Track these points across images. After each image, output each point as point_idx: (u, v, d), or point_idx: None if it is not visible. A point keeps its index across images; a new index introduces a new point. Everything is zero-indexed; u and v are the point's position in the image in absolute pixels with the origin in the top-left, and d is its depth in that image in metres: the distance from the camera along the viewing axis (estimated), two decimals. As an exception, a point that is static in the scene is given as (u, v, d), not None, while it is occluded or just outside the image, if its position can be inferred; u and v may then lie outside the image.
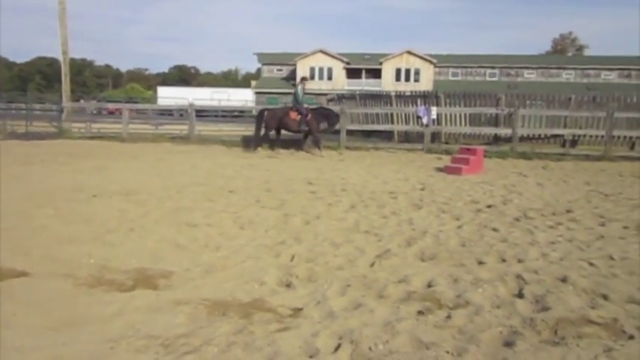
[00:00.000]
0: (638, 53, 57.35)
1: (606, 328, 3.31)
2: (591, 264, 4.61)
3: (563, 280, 4.16)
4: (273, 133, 14.90)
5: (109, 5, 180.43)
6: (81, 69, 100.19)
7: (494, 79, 54.46)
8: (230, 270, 4.52)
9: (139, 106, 35.46)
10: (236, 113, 38.87)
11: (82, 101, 38.15)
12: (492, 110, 15.86)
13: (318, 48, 56.10)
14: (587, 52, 75.41)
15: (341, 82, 54.11)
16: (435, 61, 54.15)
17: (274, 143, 14.98)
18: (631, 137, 15.54)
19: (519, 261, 4.70)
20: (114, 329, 3.34)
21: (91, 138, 18.27)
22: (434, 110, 15.62)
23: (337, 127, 15.58)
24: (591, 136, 15.62)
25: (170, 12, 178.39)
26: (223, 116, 35.32)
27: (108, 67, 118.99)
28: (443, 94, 17.03)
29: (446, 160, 12.45)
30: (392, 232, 5.73)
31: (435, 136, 16.27)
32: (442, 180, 9.93)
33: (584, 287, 4.01)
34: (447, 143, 16.06)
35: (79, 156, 12.82)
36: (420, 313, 3.56)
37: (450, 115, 16.63)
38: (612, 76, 53.36)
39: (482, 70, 55.46)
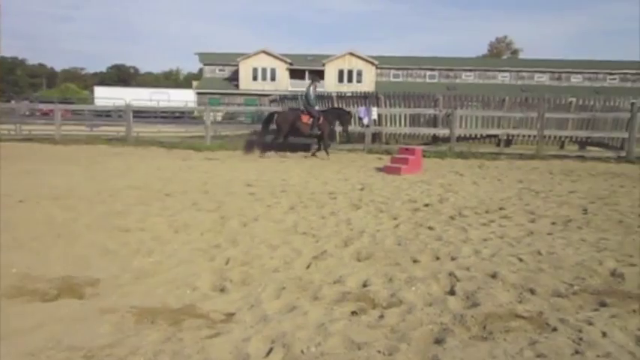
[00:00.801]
0: (567, 57, 60.24)
1: (532, 322, 3.41)
2: (520, 259, 4.75)
3: (494, 276, 4.27)
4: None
5: (42, 1, 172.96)
6: (12, 68, 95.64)
7: (434, 80, 55.83)
8: (161, 275, 4.38)
9: (74, 106, 34.15)
10: (177, 114, 38.12)
11: (12, 102, 36.39)
12: (431, 111, 16.21)
13: (261, 48, 55.81)
14: (521, 56, 78.57)
15: (284, 83, 54.03)
16: (376, 62, 54.95)
17: (282, 146, 14.54)
18: (561, 137, 16.27)
19: (452, 258, 4.79)
20: (34, 342, 3.15)
21: (22, 140, 17.43)
22: (374, 111, 15.81)
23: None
24: (524, 136, 16.23)
25: (107, 9, 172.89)
26: (163, 117, 34.54)
27: (42, 66, 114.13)
28: (383, 95, 17.26)
29: (386, 160, 12.62)
30: (329, 233, 5.73)
31: (376, 137, 16.49)
32: (382, 180, 10.05)
33: (513, 282, 4.12)
34: (387, 143, 16.29)
35: (7, 159, 12.18)
36: (353, 313, 3.55)
37: (391, 116, 16.88)
38: (544, 79, 55.75)
39: (423, 72, 56.73)
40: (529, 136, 15.95)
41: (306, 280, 4.19)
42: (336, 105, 17.82)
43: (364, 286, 4.09)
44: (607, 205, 7.79)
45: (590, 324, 3.36)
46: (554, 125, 15.88)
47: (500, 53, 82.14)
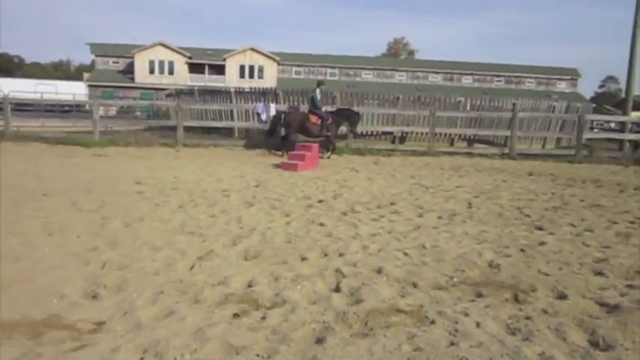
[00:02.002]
0: (460, 59, 63.60)
1: (412, 316, 3.45)
2: (406, 254, 4.85)
3: (379, 271, 4.30)
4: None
5: None
6: None
7: (334, 78, 56.73)
8: (27, 284, 3.97)
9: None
10: (66, 108, 35.77)
11: None
12: (329, 108, 16.35)
13: (158, 41, 53.73)
14: (417, 56, 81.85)
15: (183, 77, 52.45)
16: (278, 58, 54.87)
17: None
18: (451, 134, 17.06)
19: (341, 255, 4.79)
20: None
21: None
22: (273, 107, 15.69)
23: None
24: (417, 133, 16.84)
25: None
26: (50, 111, 32.26)
27: None
28: (282, 91, 17.18)
29: (284, 157, 12.55)
30: (218, 232, 5.54)
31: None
32: (278, 176, 9.96)
33: (397, 277, 4.18)
34: (286, 140, 16.22)
35: None
36: (235, 315, 3.41)
37: (290, 112, 16.83)
38: (438, 79, 58.52)
39: (324, 70, 57.48)
40: (422, 133, 16.56)
41: (187, 283, 3.98)
42: (234, 102, 17.52)
43: (249, 286, 3.96)
44: (490, 199, 8.22)
45: (466, 315, 3.46)
46: (445, 123, 16.61)
47: (397, 53, 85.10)
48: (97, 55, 56.18)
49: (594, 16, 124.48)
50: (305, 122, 13.89)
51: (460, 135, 17.12)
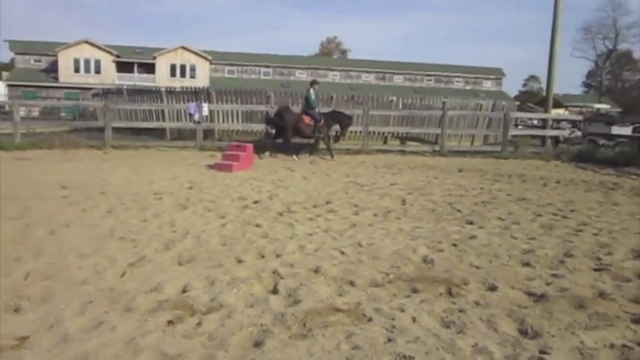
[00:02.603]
0: (391, 59, 64.94)
1: (350, 314, 3.47)
2: (342, 252, 4.87)
3: (316, 270, 4.30)
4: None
5: None
6: None
7: (268, 77, 56.56)
8: (-61, 299, 3.69)
9: None
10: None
11: None
12: (263, 107, 16.25)
13: (82, 38, 51.58)
14: (350, 56, 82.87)
15: (111, 76, 50.61)
16: (210, 57, 54.01)
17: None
18: (384, 132, 17.38)
19: (277, 256, 4.75)
20: None
21: None
22: (205, 107, 15.41)
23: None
24: (351, 132, 17.01)
25: None
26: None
27: None
28: (215, 90, 16.92)
29: (218, 158, 12.33)
30: (150, 237, 5.35)
31: (208, 134, 16.10)
32: (212, 178, 9.78)
33: (334, 276, 4.19)
34: (220, 140, 15.99)
35: None
36: (169, 323, 3.30)
37: (223, 112, 16.61)
38: (370, 78, 59.54)
39: (257, 69, 57.17)
40: (356, 131, 16.76)
41: (118, 291, 3.82)
42: (165, 101, 17.08)
43: (183, 292, 3.85)
44: (422, 195, 8.42)
45: (403, 311, 3.52)
46: (379, 122, 16.90)
47: (330, 53, 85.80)
48: (16, 53, 53.26)
49: (518, 18, 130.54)
50: (298, 123, 13.71)
51: (393, 133, 17.47)
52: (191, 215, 6.46)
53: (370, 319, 3.37)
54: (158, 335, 3.10)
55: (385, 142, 17.46)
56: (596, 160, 14.65)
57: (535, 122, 27.53)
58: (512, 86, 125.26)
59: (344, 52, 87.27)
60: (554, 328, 3.36)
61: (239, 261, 4.59)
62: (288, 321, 3.31)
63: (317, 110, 14.13)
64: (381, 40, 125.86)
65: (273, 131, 14.16)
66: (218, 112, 16.40)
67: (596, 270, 4.64)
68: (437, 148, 16.25)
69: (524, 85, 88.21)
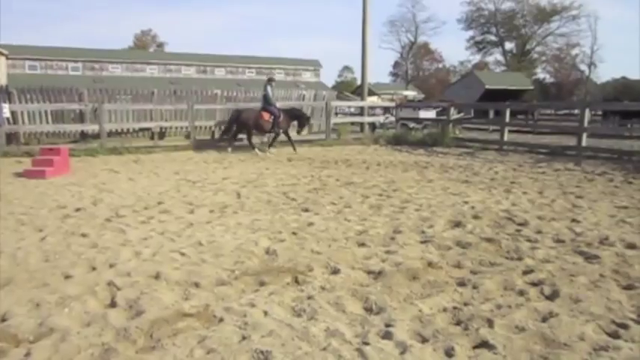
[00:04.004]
0: (212, 52, 63.83)
1: (199, 318, 3.33)
2: (183, 254, 4.67)
3: (157, 276, 4.06)
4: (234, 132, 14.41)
5: None
6: None
7: (77, 73, 52.04)
8: None
9: None
10: None
11: None
12: (76, 106, 14.93)
13: None
14: (167, 49, 79.85)
15: None
16: (6, 52, 47.99)
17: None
18: (211, 126, 17.08)
19: (111, 266, 4.38)
20: None
21: None
22: (6, 108, 13.66)
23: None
24: (177, 128, 16.45)
25: None
26: None
27: None
28: (16, 89, 15.09)
29: (28, 164, 11.03)
30: (-49, 262, 4.58)
31: (13, 138, 14.32)
32: (22, 187, 8.71)
33: (177, 280, 3.99)
34: (27, 144, 14.32)
35: None
36: (-12, 359, 2.85)
37: (28, 113, 14.89)
38: (191, 72, 58.03)
39: (64, 64, 52.28)
40: (182, 127, 16.24)
41: None
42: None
43: (3, 320, 3.35)
44: (256, 187, 8.45)
45: (253, 306, 3.48)
46: (204, 116, 16.55)
47: (146, 46, 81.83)
48: None
49: (330, 12, 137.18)
50: (258, 119, 14.05)
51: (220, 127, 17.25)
52: (2, 232, 5.66)
53: (221, 320, 3.27)
54: (-24, 376, 2.66)
55: (213, 136, 17.18)
56: (409, 142, 16.09)
57: (353, 110, 29.27)
58: (329, 77, 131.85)
59: (160, 45, 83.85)
60: (395, 301, 3.59)
61: (67, 277, 4.13)
62: (133, 335, 3.07)
63: (275, 106, 14.38)
64: (199, 33, 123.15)
65: (234, 129, 14.55)
66: (22, 112, 14.65)
67: (422, 242, 5.07)
68: (265, 139, 16.44)
69: (340, 75, 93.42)
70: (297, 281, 3.99)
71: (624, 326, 3.21)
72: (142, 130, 16.06)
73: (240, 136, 14.95)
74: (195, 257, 4.57)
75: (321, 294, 3.70)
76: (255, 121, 14.11)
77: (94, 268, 4.33)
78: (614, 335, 3.11)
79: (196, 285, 3.90)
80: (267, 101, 14.34)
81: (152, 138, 15.89)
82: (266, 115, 14.15)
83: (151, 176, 9.91)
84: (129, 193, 8.00)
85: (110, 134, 14.89)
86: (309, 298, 3.62)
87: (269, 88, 14.40)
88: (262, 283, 3.95)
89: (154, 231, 5.56)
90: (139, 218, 6.21)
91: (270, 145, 14.63)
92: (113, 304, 3.57)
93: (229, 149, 14.22)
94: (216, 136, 16.75)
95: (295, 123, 14.94)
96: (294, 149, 14.36)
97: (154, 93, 16.55)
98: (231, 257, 4.56)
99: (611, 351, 2.88)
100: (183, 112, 15.70)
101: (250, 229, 5.60)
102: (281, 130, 14.46)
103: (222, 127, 15.27)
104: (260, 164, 11.73)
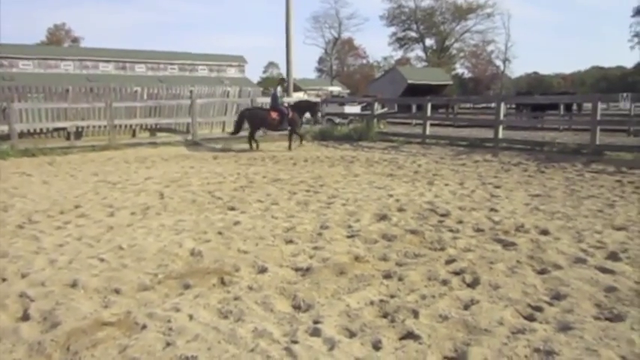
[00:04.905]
0: (132, 47, 61.65)
1: (120, 326, 3.19)
2: (102, 259, 4.47)
3: (73, 285, 3.85)
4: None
5: None
6: None
7: (-17, 70, 48.69)
8: None
9: None
10: None
11: None
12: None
13: None
14: (83, 44, 76.25)
15: None
16: None
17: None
18: (132, 125, 16.47)
19: (23, 276, 4.10)
20: None
21: None
22: None
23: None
24: (95, 127, 15.73)
25: None
26: None
27: None
28: None
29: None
30: None
31: None
32: None
33: (95, 287, 3.81)
34: None
35: None
36: None
37: None
38: (109, 68, 55.70)
39: (-32, 61, 48.77)
40: (100, 126, 15.54)
41: None
42: None
43: None
44: (181, 187, 8.22)
45: (178, 310, 3.38)
46: (124, 114, 15.92)
47: (60, 41, 77.74)
48: None
49: (255, 7, 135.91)
50: (266, 117, 14.22)
51: (142, 125, 16.67)
52: None
53: (144, 327, 3.15)
54: None
55: (134, 135, 16.56)
56: (335, 137, 16.23)
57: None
58: (254, 73, 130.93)
59: (75, 41, 79.96)
60: (323, 297, 3.60)
61: (-28, 290, 3.84)
62: (48, 349, 2.90)
63: (284, 105, 14.47)
64: (117, 28, 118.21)
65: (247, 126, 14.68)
66: None
67: (349, 237, 5.12)
68: (189, 137, 16.06)
69: (265, 71, 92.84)
70: (223, 282, 3.91)
71: (539, 309, 3.38)
72: (56, 130, 15.19)
73: (240, 135, 14.91)
74: (115, 262, 4.38)
75: (248, 294, 3.65)
76: (262, 118, 14.34)
77: (3, 279, 4.04)
78: (530, 318, 3.26)
79: (117, 292, 3.73)
80: (274, 101, 14.45)
81: (68, 138, 15.07)
82: (274, 114, 14.26)
83: (67, 178, 9.41)
84: (43, 197, 7.55)
85: (22, 135, 14.00)
86: (236, 298, 3.55)
87: (279, 88, 14.82)
88: (187, 286, 3.84)
89: (70, 236, 5.27)
90: (54, 223, 5.87)
91: (290, 146, 14.47)
92: (26, 317, 3.35)
93: (254, 146, 14.43)
94: (137, 135, 16.21)
95: (308, 115, 15.32)
96: (290, 148, 14.33)
97: (69, 90, 15.69)
98: (154, 261, 4.41)
99: (528, 333, 3.01)
100: (102, 110, 15.04)
101: (174, 231, 5.44)
102: (290, 128, 14.54)
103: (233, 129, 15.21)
104: (185, 162, 11.45)
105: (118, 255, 4.58)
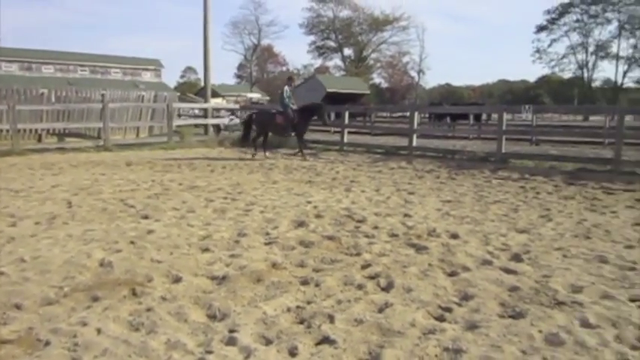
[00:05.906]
0: (38, 47, 58.30)
1: (20, 343, 2.99)
2: (1, 273, 4.16)
3: (-33, 301, 3.56)
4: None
5: None
6: None
7: None
8: None
9: None
10: None
11: None
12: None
13: None
14: (-18, 43, 71.11)
15: None
16: None
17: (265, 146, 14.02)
18: (37, 129, 15.57)
19: None
20: None
21: None
22: None
23: None
24: (-4, 131, 14.71)
25: None
26: None
27: None
28: None
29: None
30: None
31: None
32: None
33: (-7, 303, 3.54)
34: None
35: None
36: None
37: None
38: (13, 69, 52.37)
39: None
40: (2, 130, 14.55)
41: None
42: None
43: None
44: (90, 195, 7.85)
45: (85, 324, 3.21)
46: (29, 118, 15.03)
47: (-44, 39, 72.20)
48: None
49: (171, 10, 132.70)
50: (272, 122, 13.65)
51: (49, 130, 15.81)
52: None
53: (48, 343, 2.96)
54: None
55: (40, 140, 15.67)
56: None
57: (197, 112, 28.64)
58: (171, 77, 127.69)
59: (-26, 39, 74.56)
60: (239, 306, 3.55)
61: None
62: None
63: (290, 107, 13.52)
64: (23, 27, 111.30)
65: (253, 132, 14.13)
66: None
67: (266, 244, 5.11)
68: (100, 142, 15.39)
69: (182, 76, 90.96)
70: (135, 293, 3.76)
71: (449, 309, 3.52)
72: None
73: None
74: (16, 276, 4.09)
75: (161, 305, 3.53)
76: (268, 123, 13.75)
77: None
78: (441, 319, 3.39)
79: (17, 307, 3.48)
80: (281, 102, 13.71)
81: (-36, 143, 14.02)
82: (279, 119, 13.53)
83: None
84: None
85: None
86: (148, 310, 3.43)
87: (286, 88, 13.83)
88: (95, 299, 3.65)
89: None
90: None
91: (299, 152, 13.77)
92: None
93: (266, 153, 13.89)
94: (43, 140, 15.35)
95: (315, 118, 14.26)
96: (303, 156, 13.53)
97: (-34, 92, 14.63)
98: (60, 273, 4.16)
99: (438, 333, 3.13)
100: (4, 114, 14.09)
101: (82, 241, 5.17)
102: (294, 134, 13.94)
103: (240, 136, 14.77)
104: (95, 169, 10.93)
105: (20, 268, 4.29)
